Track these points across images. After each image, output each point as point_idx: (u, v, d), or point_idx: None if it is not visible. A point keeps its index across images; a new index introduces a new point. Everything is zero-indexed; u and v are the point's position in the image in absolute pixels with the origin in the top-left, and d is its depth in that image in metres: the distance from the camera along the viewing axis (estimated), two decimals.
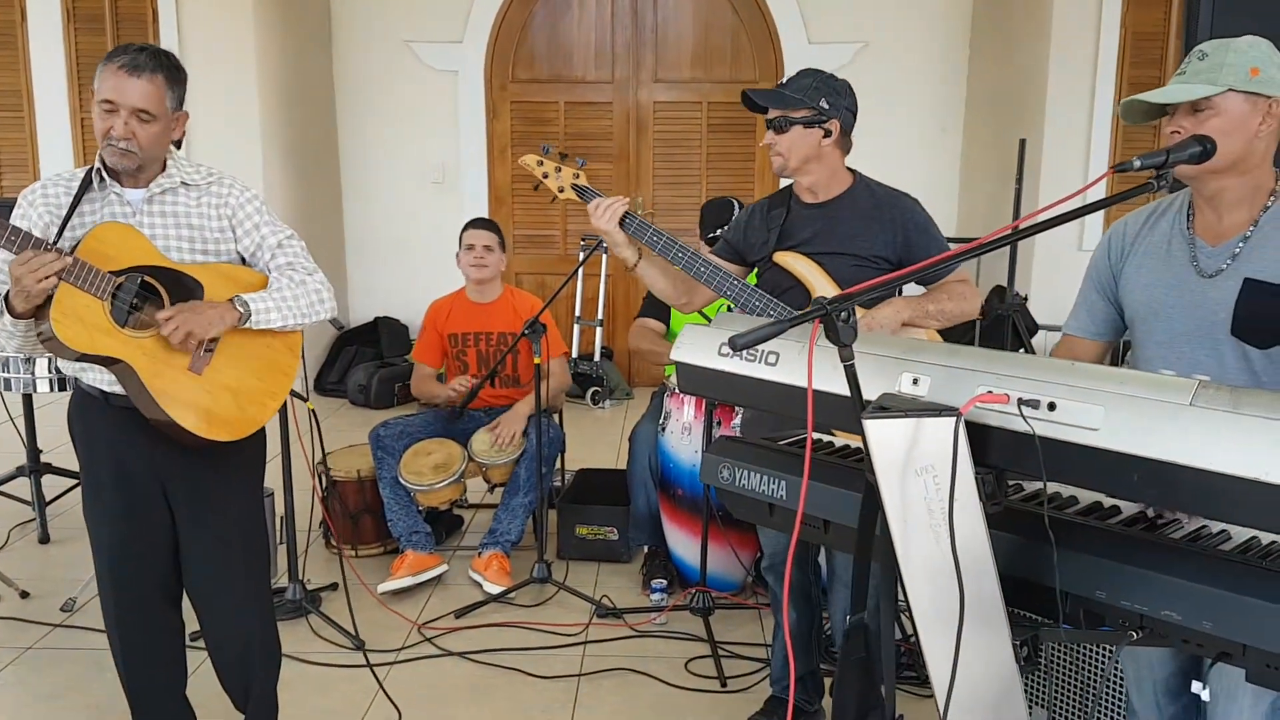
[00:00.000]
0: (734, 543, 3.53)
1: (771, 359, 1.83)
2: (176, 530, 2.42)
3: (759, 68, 6.99)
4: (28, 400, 4.12)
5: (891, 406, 1.48)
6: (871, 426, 1.47)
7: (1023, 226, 1.67)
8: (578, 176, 2.66)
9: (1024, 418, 1.40)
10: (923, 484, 1.48)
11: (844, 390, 1.56)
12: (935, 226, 2.62)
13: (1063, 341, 2.23)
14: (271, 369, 2.42)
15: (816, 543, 2.39)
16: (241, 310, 2.28)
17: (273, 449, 3.39)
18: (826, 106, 2.57)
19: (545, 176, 2.66)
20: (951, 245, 2.65)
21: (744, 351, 1.86)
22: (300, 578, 3.51)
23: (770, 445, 2.03)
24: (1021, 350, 5.79)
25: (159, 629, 2.49)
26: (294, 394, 2.79)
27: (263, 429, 2.49)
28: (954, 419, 1.42)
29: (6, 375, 3.66)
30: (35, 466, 4.17)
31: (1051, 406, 1.40)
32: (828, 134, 2.58)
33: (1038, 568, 1.52)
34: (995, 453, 1.49)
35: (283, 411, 3.26)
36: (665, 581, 3.65)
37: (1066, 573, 1.48)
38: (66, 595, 3.50)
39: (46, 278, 2.05)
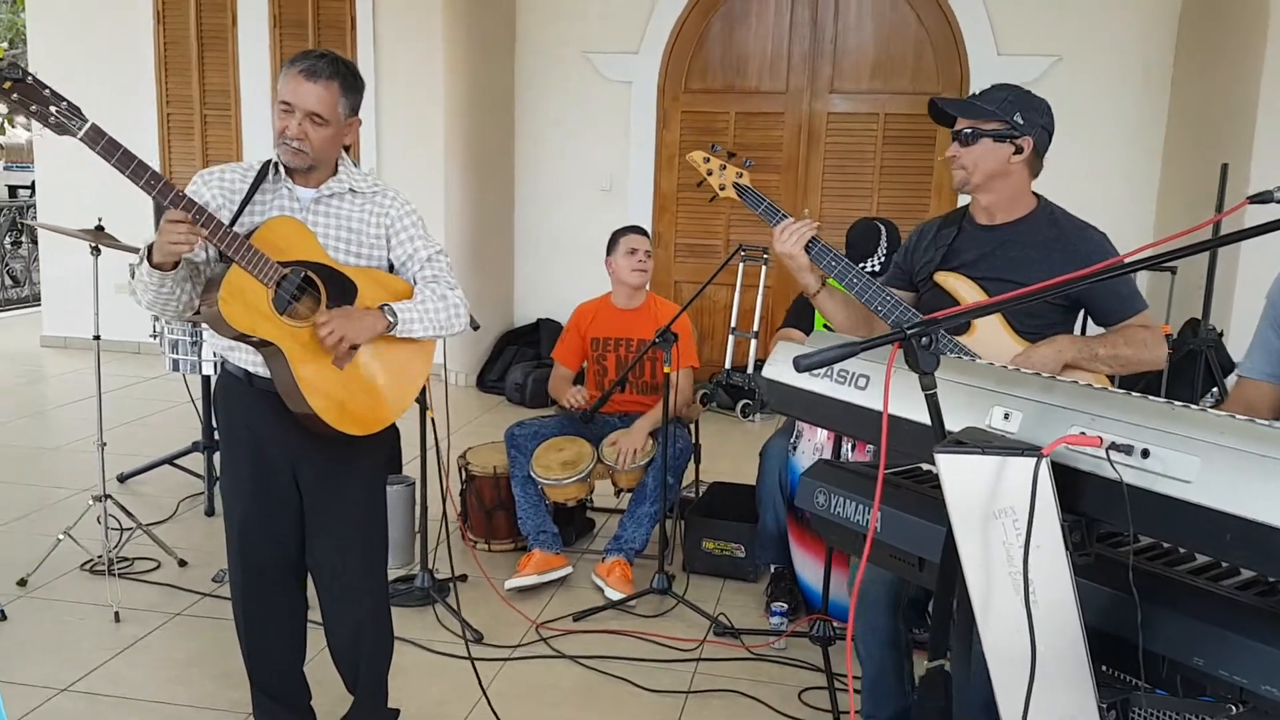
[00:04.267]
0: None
1: (861, 382, 1.74)
2: (304, 511, 2.54)
3: (943, 80, 6.75)
4: (206, 381, 4.42)
5: (969, 441, 1.37)
6: (944, 461, 1.37)
7: (1146, 255, 1.52)
8: (741, 176, 2.59)
9: (1112, 463, 1.27)
10: (1002, 527, 1.37)
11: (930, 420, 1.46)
12: None
13: (1237, 385, 2.04)
14: (405, 374, 2.52)
15: (912, 580, 2.26)
16: (390, 319, 2.39)
17: (415, 440, 3.53)
18: (1021, 121, 2.42)
19: (709, 174, 2.60)
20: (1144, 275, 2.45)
21: (835, 373, 1.80)
22: (430, 567, 3.61)
23: (869, 472, 1.93)
24: (1214, 390, 5.34)
25: (281, 604, 2.61)
26: (419, 401, 2.89)
27: (394, 424, 2.58)
28: (1035, 460, 1.31)
29: (176, 356, 3.94)
30: (208, 443, 4.46)
31: (1145, 454, 1.27)
32: (1018, 150, 2.43)
33: (1134, 625, 1.38)
34: (1086, 500, 1.36)
35: (423, 407, 3.35)
36: (786, 605, 3.55)
37: (1162, 634, 1.34)
38: (219, 566, 3.73)
39: (189, 245, 2.15)
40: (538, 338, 7.07)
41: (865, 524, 1.83)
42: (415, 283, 2.51)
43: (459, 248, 6.50)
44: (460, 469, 4.17)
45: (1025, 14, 6.59)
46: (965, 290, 2.43)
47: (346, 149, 2.57)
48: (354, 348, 2.40)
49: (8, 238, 9.93)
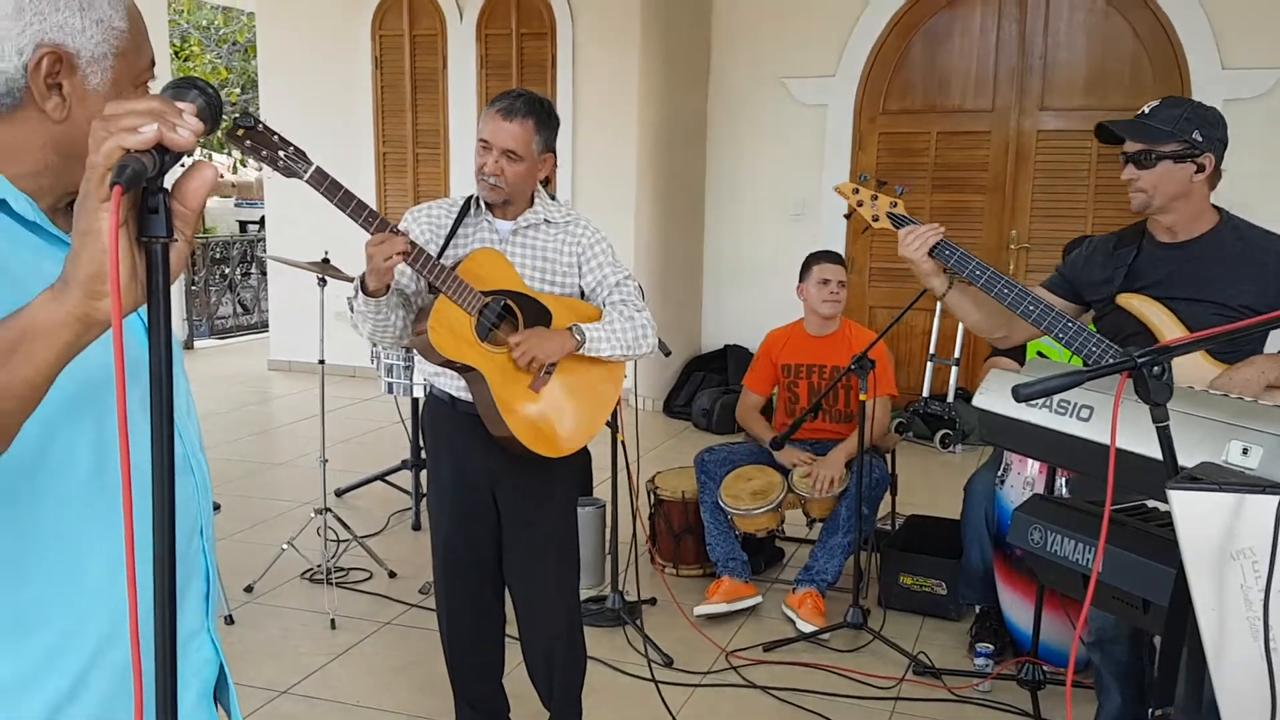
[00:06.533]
0: (1074, 614, 3.21)
1: (1084, 413, 1.65)
2: (502, 529, 2.63)
3: (1161, 95, 6.33)
4: (415, 404, 4.65)
5: (1205, 477, 1.27)
6: (1178, 499, 1.27)
7: None
8: (895, 205, 2.52)
9: None
10: (1239, 569, 1.26)
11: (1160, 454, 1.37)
12: None
13: None
14: (596, 398, 2.60)
15: (1135, 624, 2.11)
16: (578, 339, 2.47)
17: (605, 464, 3.60)
18: (1200, 139, 2.33)
19: (860, 205, 2.54)
20: None
21: (1054, 403, 1.71)
22: (620, 589, 3.65)
23: (1089, 509, 1.82)
24: None
25: (482, 617, 2.71)
26: (609, 424, 2.94)
27: (586, 447, 2.65)
28: (1278, 498, 1.20)
29: (390, 380, 4.16)
30: (416, 461, 4.68)
31: None
32: (1200, 169, 2.34)
33: None
34: None
35: (613, 430, 3.41)
36: (992, 647, 3.38)
37: None
38: (425, 579, 3.89)
39: (390, 257, 2.25)
40: (725, 364, 7.08)
41: (1085, 563, 1.73)
42: (604, 307, 2.58)
43: (648, 274, 6.59)
44: (649, 493, 4.21)
45: (1252, 24, 6.12)
46: (1152, 312, 2.35)
47: (545, 183, 2.67)
48: (548, 371, 2.48)
49: (239, 269, 10.78)
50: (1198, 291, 2.31)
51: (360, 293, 2.36)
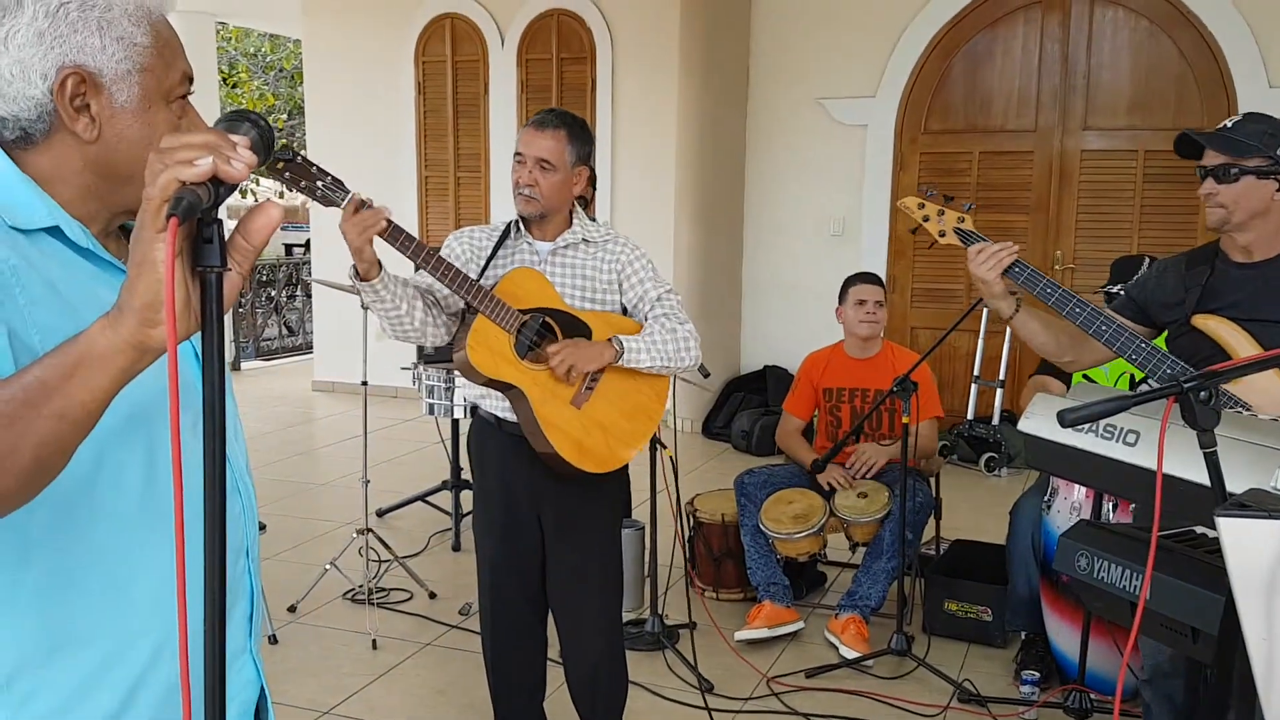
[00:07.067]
0: (1121, 641, 3.15)
1: (1130, 438, 1.63)
2: (546, 551, 2.64)
3: (1207, 114, 6.28)
4: (455, 425, 4.68)
5: (1253, 504, 1.25)
6: (1226, 526, 1.25)
7: None
8: (962, 221, 2.43)
9: None
10: None
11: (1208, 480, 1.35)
12: None
13: None
14: (640, 413, 2.60)
15: (1184, 653, 2.07)
16: (617, 349, 2.49)
17: (643, 486, 3.60)
18: None
19: (925, 220, 2.45)
20: None
21: (1100, 428, 1.69)
22: (660, 612, 3.64)
23: (1137, 535, 1.80)
24: None
25: (525, 638, 2.72)
26: (657, 441, 2.94)
27: (626, 468, 2.65)
28: None
29: (431, 401, 4.20)
30: (456, 482, 4.71)
31: None
32: None
33: None
34: None
35: (652, 451, 3.42)
36: (1038, 674, 3.32)
37: None
38: (465, 600, 3.91)
39: (364, 232, 2.22)
40: (764, 385, 7.05)
41: (1133, 590, 1.70)
42: (646, 321, 2.59)
43: (687, 295, 6.56)
44: (688, 515, 4.19)
45: None
46: (1228, 334, 2.28)
47: (585, 206, 2.70)
48: (589, 387, 2.49)
49: (285, 291, 10.92)
50: (1275, 313, 2.24)
51: (355, 279, 2.34)
